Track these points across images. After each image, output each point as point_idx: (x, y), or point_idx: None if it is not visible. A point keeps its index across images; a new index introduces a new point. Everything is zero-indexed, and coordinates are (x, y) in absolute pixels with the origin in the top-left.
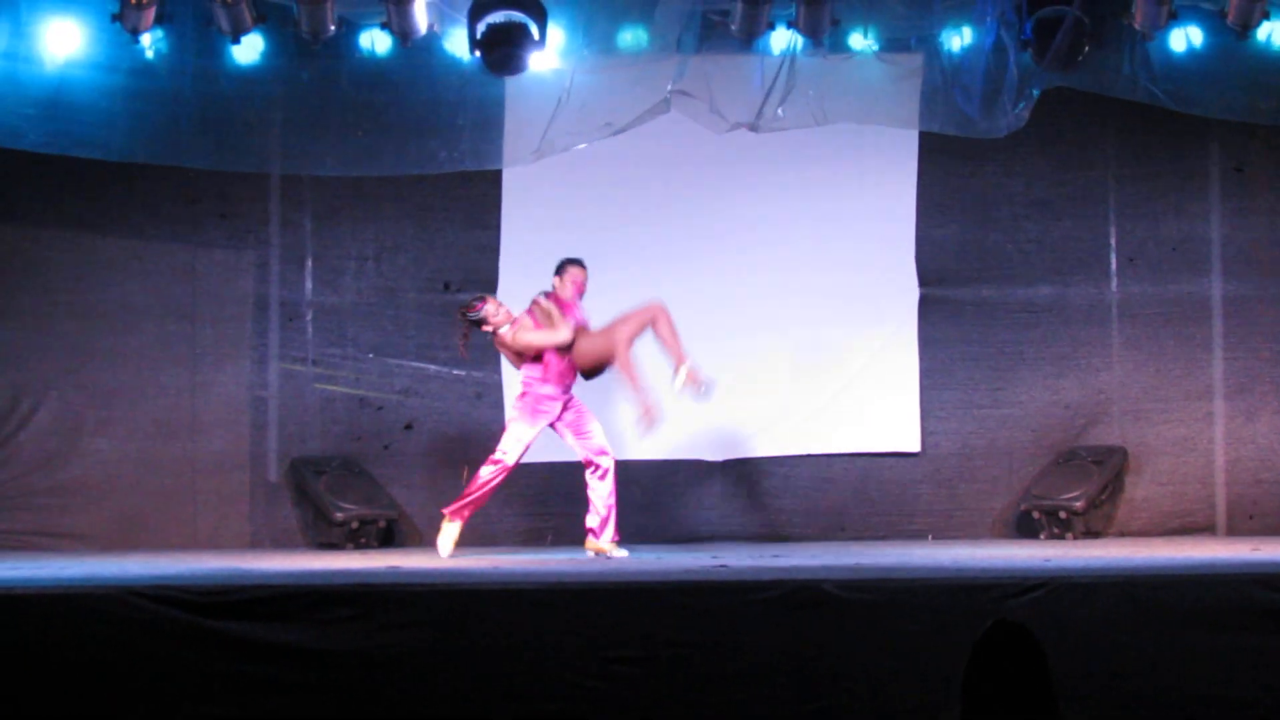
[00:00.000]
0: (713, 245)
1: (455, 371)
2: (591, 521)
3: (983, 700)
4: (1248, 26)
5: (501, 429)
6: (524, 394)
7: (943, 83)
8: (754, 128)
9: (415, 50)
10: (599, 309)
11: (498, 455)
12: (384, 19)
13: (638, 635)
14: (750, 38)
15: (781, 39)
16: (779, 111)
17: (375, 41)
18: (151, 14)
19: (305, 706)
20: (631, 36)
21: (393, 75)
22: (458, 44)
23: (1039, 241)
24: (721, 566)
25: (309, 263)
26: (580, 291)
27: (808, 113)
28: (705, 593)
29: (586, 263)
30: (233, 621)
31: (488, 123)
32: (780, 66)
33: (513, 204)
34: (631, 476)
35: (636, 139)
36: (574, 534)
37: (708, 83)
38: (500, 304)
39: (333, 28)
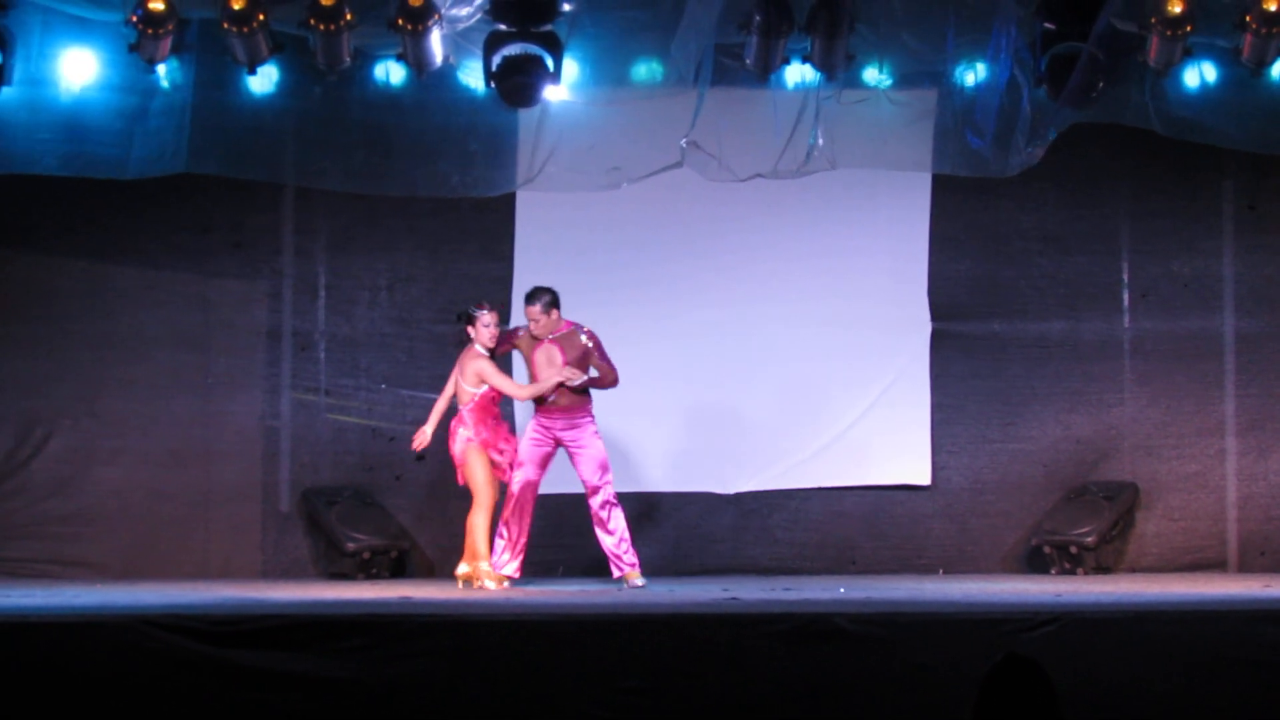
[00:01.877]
0: (725, 278)
1: None
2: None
3: None
4: (1262, 64)
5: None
6: None
7: (955, 123)
8: (773, 175)
9: (430, 80)
10: (611, 342)
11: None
12: (399, 50)
13: (648, 667)
14: (765, 72)
15: (796, 74)
16: (800, 159)
17: (390, 72)
18: (168, 44)
19: None
20: (646, 71)
21: (406, 101)
22: (472, 75)
23: (1052, 277)
24: (732, 599)
25: (322, 293)
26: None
27: (822, 159)
28: (716, 625)
29: (600, 294)
30: (244, 650)
31: (500, 150)
32: (798, 114)
33: (526, 235)
34: (643, 509)
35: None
36: (586, 565)
37: (719, 133)
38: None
39: (348, 59)
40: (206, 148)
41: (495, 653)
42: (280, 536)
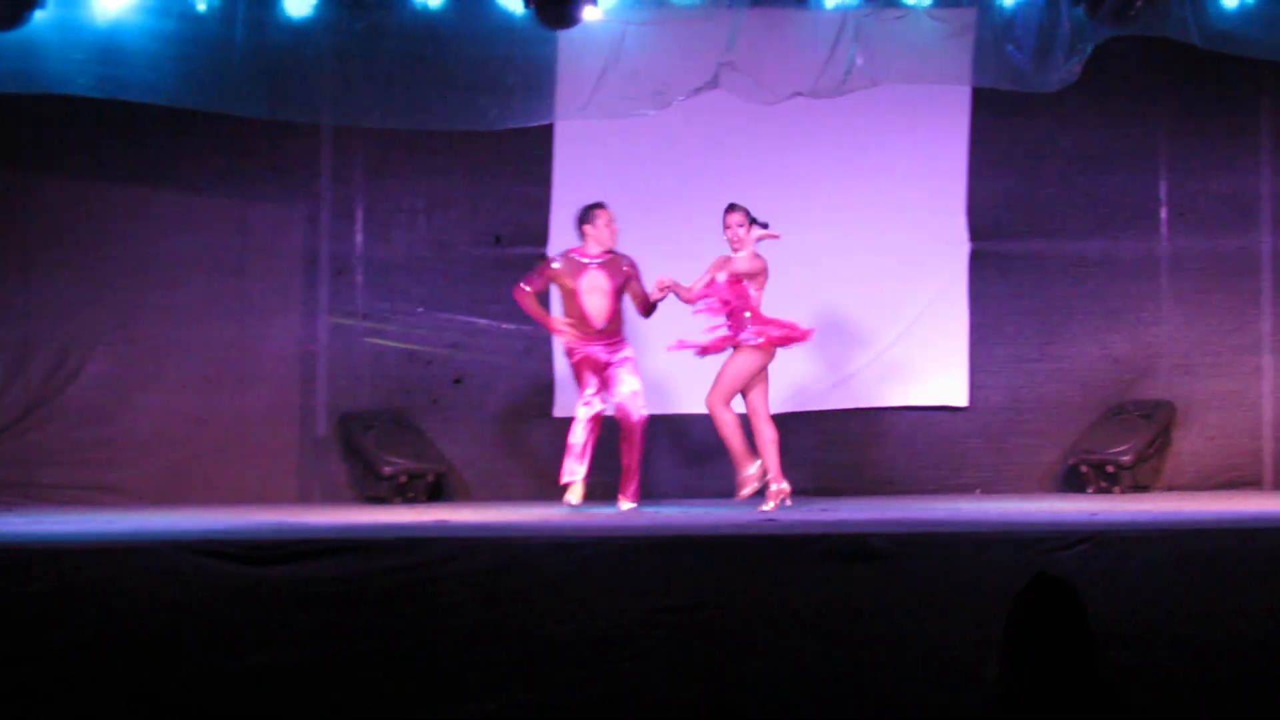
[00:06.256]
0: (763, 200)
1: (505, 325)
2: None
3: (1022, 652)
4: None
5: (549, 382)
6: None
7: (994, 37)
8: (812, 94)
9: (467, 4)
10: (649, 264)
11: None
12: None
13: (686, 587)
14: None
15: None
16: (840, 76)
17: None
18: None
19: (354, 655)
20: None
21: (444, 29)
22: None
23: (1090, 195)
24: (769, 520)
25: (359, 216)
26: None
27: (862, 76)
28: (753, 546)
29: (636, 214)
30: (281, 574)
31: (539, 80)
32: (838, 32)
33: (564, 158)
34: (680, 430)
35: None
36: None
37: (758, 52)
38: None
39: None
40: (246, 87)
41: (532, 574)
42: (317, 461)
